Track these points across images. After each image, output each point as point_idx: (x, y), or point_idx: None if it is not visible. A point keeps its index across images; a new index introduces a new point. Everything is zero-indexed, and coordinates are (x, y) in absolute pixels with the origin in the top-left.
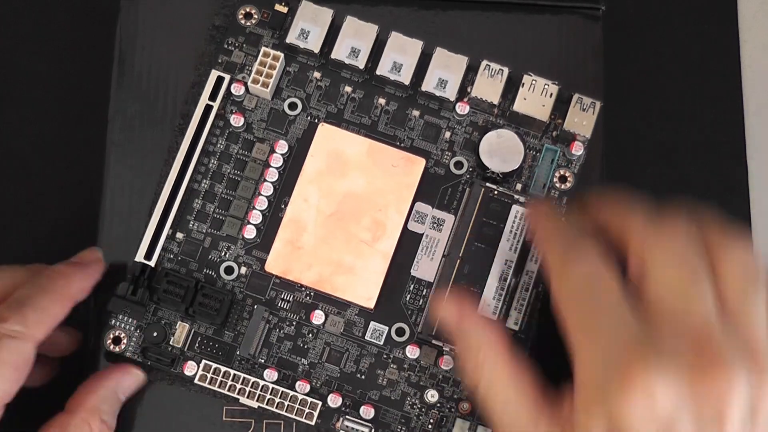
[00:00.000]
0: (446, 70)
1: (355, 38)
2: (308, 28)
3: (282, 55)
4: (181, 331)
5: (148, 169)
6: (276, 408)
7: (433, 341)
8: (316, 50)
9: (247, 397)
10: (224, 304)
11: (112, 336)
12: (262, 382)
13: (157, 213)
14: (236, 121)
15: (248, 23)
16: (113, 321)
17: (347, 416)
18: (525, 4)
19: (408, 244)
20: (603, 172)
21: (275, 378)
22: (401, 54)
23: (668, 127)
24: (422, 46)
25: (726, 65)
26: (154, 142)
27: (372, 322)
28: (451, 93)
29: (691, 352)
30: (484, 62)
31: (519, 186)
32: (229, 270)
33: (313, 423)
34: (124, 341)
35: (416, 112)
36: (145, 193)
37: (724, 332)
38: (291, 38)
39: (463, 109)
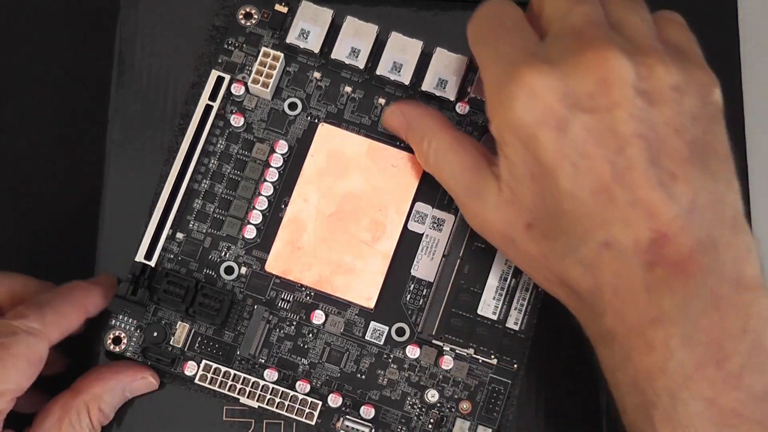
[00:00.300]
0: (446, 70)
1: (355, 38)
2: (308, 28)
3: (282, 55)
4: (182, 331)
5: (148, 169)
6: (276, 408)
7: (434, 341)
8: (316, 50)
9: (248, 397)
10: (224, 304)
11: (112, 336)
12: (262, 382)
13: (157, 213)
14: (236, 121)
15: (248, 23)
16: (113, 321)
17: (347, 416)
18: (525, 3)
19: (408, 244)
20: None
21: (275, 378)
22: (401, 54)
23: None
24: (422, 46)
25: (726, 65)
26: (154, 142)
27: (372, 322)
28: (451, 93)
29: (572, 40)
30: None
31: None
32: (229, 270)
33: (313, 423)
34: (125, 341)
35: None
36: (146, 193)
37: (608, 28)
38: (291, 38)
39: (463, 109)
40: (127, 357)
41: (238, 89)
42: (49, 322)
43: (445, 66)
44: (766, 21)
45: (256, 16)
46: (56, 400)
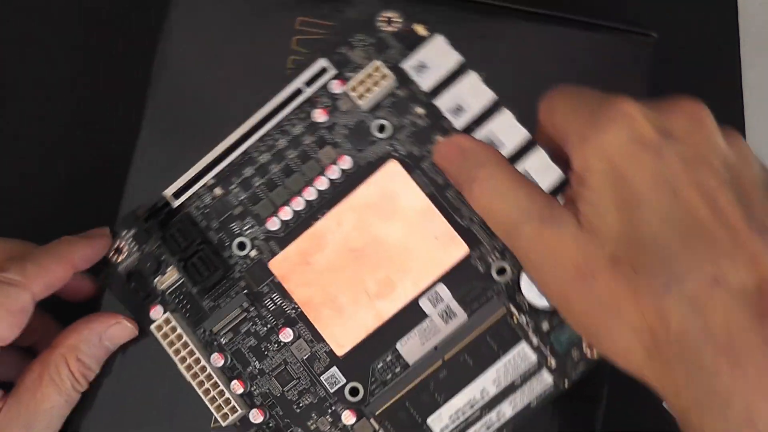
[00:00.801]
0: (541, 175)
1: (468, 97)
2: (429, 63)
3: (393, 77)
4: (170, 276)
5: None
6: (202, 393)
7: (371, 420)
8: (424, 88)
9: (185, 368)
10: (215, 275)
11: (116, 245)
12: (203, 362)
13: (208, 159)
14: (319, 116)
15: (385, 29)
16: (123, 232)
17: None
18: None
19: (409, 316)
20: None
21: (220, 365)
22: (504, 135)
23: None
24: (527, 138)
25: (726, 65)
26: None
27: (334, 368)
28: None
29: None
30: None
31: (545, 326)
32: (241, 246)
33: (224, 424)
34: (124, 255)
35: None
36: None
37: None
38: (405, 65)
39: None
40: (118, 272)
41: (338, 87)
42: (31, 274)
43: (542, 169)
44: (766, 21)
45: (395, 26)
46: (36, 358)
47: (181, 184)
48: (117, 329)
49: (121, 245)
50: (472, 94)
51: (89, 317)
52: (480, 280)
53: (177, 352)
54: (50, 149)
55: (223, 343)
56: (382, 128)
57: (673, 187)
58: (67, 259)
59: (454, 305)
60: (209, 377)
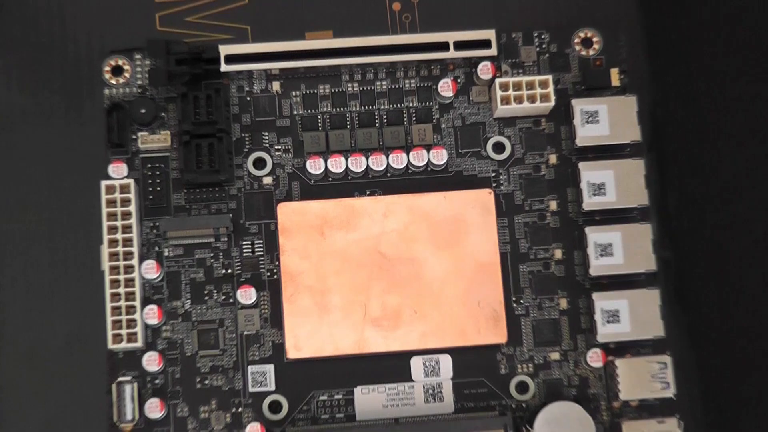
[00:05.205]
0: None
1: (618, 186)
2: (602, 119)
3: (553, 104)
4: (159, 141)
5: None
6: (110, 297)
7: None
8: (578, 141)
9: (108, 255)
10: (211, 175)
11: (119, 62)
12: (134, 262)
13: (288, 46)
14: (444, 87)
15: (577, 47)
16: (139, 56)
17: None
18: None
19: (391, 368)
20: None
21: (149, 277)
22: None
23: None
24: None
25: None
26: None
27: (271, 366)
28: None
29: None
30: None
31: None
32: (260, 163)
33: (109, 346)
34: (121, 81)
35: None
36: None
37: None
38: (578, 102)
39: None
40: (110, 98)
41: (487, 71)
42: None
43: None
44: None
45: (589, 53)
46: None
47: (243, 51)
48: None
49: (126, 67)
50: (625, 188)
51: None
52: (493, 382)
53: (113, 230)
54: None
55: (166, 255)
56: (501, 148)
57: None
58: None
59: (447, 389)
60: (129, 282)
